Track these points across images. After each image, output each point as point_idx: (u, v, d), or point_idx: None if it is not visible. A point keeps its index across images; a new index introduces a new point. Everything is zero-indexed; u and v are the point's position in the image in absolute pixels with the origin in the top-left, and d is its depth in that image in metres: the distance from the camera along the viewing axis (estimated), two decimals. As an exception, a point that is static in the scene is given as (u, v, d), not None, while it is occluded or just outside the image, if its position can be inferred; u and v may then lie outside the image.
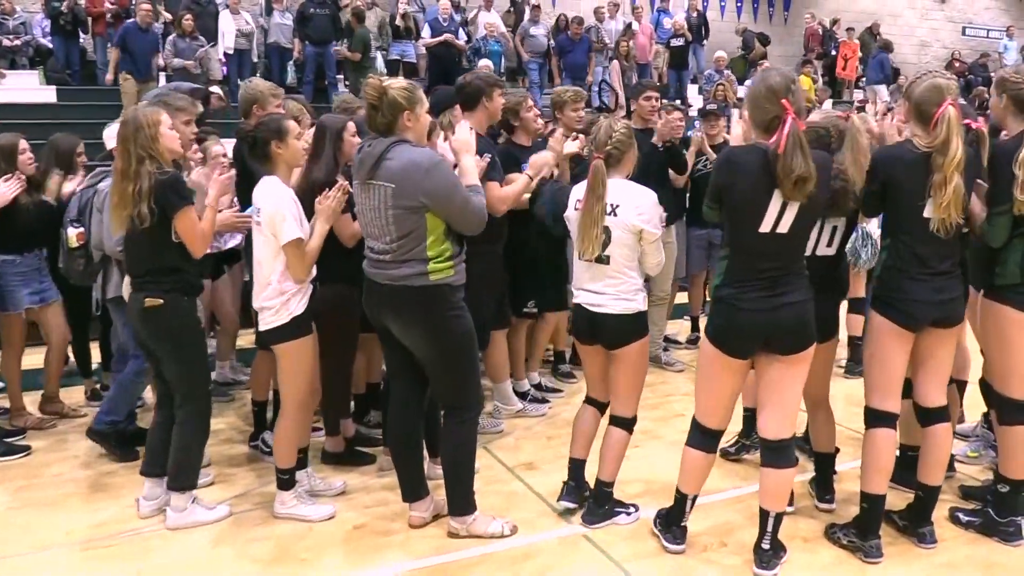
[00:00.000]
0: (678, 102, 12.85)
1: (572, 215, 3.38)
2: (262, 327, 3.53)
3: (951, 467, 3.91)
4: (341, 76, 11.67)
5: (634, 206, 3.22)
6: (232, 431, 4.69)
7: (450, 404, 3.34)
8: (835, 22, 14.84)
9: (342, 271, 3.72)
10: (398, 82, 3.21)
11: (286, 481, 3.59)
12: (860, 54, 14.37)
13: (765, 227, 2.81)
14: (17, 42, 10.91)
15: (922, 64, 15.08)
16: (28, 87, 10.57)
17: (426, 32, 11.71)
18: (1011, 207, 3.08)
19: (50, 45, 10.99)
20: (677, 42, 13.09)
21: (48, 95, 10.52)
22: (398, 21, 11.55)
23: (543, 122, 5.29)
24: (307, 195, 3.66)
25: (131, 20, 10.20)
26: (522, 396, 5.02)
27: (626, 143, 3.30)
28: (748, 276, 2.88)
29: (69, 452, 4.36)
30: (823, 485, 3.62)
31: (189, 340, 3.39)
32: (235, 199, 4.16)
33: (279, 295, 3.43)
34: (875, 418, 3.17)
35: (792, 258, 2.90)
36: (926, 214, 2.98)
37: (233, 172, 3.63)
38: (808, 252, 3.24)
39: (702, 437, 3.10)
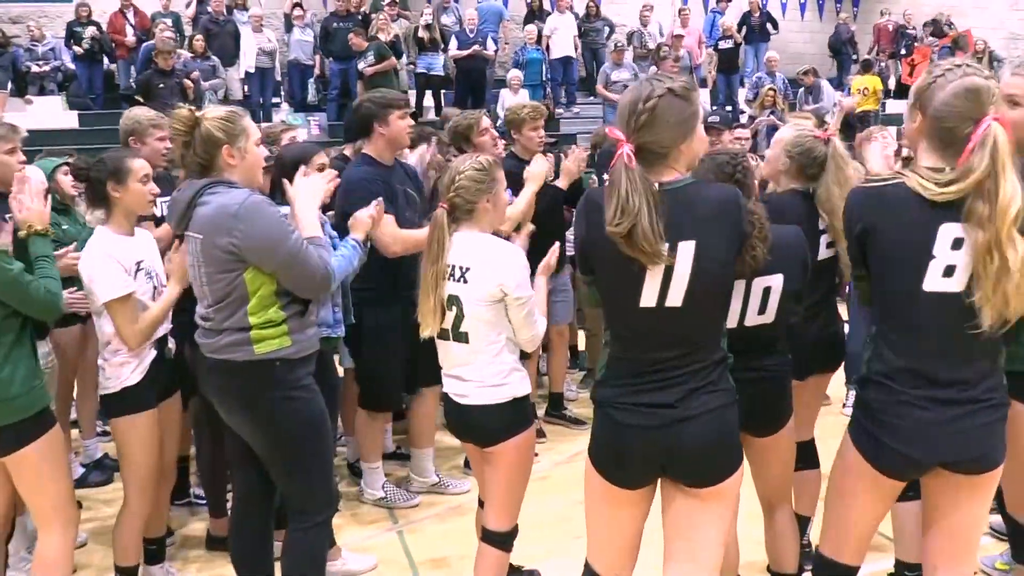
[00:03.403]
0: (728, 109, 12.01)
1: None
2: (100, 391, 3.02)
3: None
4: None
5: (491, 268, 2.47)
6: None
7: (292, 507, 2.69)
8: (879, 15, 13.43)
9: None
10: (215, 111, 2.60)
11: (124, 583, 3.04)
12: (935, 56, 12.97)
13: (648, 300, 1.96)
14: (46, 68, 10.94)
15: (1012, 59, 13.55)
16: (52, 112, 10.56)
17: (453, 44, 11.15)
18: None
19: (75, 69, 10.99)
20: (726, 44, 12.10)
21: (71, 120, 10.50)
22: (421, 33, 11.02)
23: (503, 144, 4.66)
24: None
25: (149, 43, 10.05)
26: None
27: (473, 189, 2.52)
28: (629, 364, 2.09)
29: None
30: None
31: None
32: None
33: (113, 353, 2.94)
34: (824, 569, 2.24)
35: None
36: (930, 287, 1.92)
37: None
38: (733, 323, 2.46)
39: None
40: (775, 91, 10.04)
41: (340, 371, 4.36)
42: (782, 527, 2.74)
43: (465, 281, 2.51)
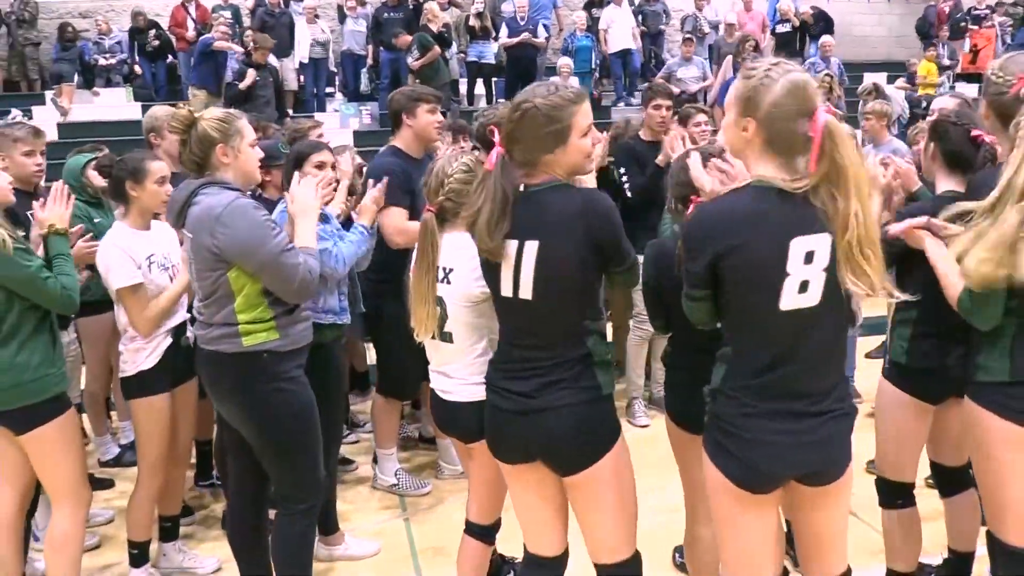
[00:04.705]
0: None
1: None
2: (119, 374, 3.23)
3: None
4: (418, 81, 11.36)
5: (471, 268, 2.48)
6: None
7: (280, 493, 2.81)
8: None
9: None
10: (212, 112, 2.72)
11: (136, 557, 3.22)
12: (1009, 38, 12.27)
13: (506, 290, 2.18)
14: (112, 61, 11.42)
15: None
16: (117, 104, 11.00)
17: (504, 32, 11.16)
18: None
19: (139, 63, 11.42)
20: (783, 28, 11.76)
21: (135, 112, 10.89)
22: (472, 21, 11.06)
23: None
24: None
25: (207, 36, 10.34)
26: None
27: (463, 191, 2.53)
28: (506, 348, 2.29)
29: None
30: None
31: None
32: None
33: (130, 339, 3.11)
34: None
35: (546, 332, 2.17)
36: (786, 305, 1.87)
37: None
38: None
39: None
40: (831, 77, 9.68)
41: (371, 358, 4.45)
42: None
43: (449, 282, 2.54)
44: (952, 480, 2.78)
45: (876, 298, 1.94)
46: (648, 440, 4.27)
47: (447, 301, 2.54)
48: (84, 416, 4.60)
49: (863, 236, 1.81)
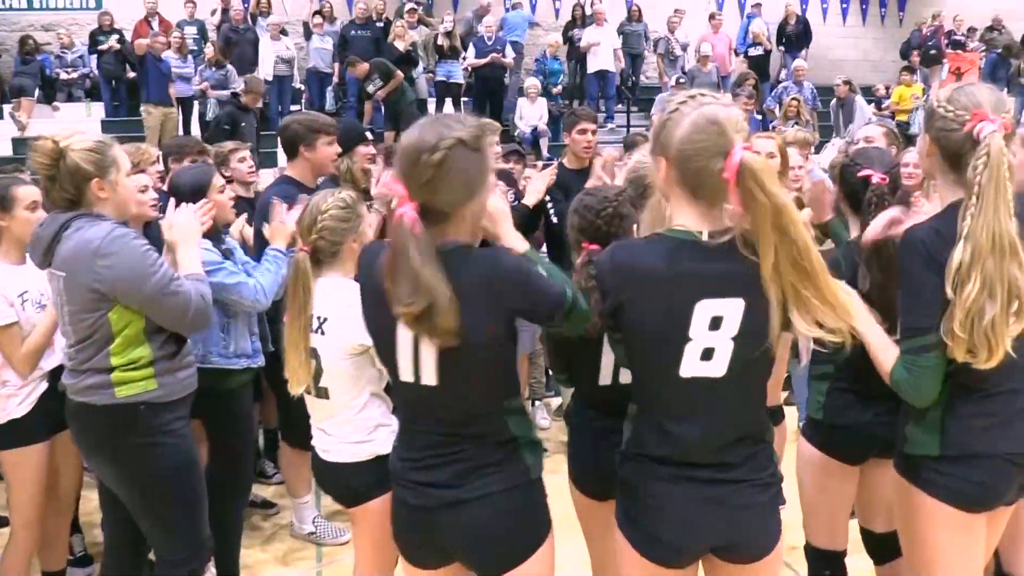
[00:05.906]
0: (759, 117, 11.55)
1: None
2: None
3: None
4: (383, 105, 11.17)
5: (348, 317, 2.25)
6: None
7: (157, 555, 2.58)
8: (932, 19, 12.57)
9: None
10: (82, 142, 2.42)
11: (11, 621, 2.96)
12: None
13: (406, 375, 1.77)
14: (74, 75, 11.18)
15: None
16: (78, 120, 10.74)
17: (471, 52, 11.01)
18: (940, 339, 1.81)
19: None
20: (755, 51, 11.69)
21: (94, 128, 10.66)
22: (441, 40, 10.91)
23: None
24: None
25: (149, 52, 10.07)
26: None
27: (339, 230, 2.34)
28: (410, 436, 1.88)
29: None
30: None
31: None
32: None
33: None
34: None
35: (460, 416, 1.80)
36: (687, 372, 1.68)
37: None
38: (607, 380, 2.24)
39: None
40: (799, 101, 9.60)
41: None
42: None
43: (323, 333, 2.32)
44: (884, 547, 2.56)
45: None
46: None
47: (321, 353, 2.33)
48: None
49: (799, 280, 1.57)
